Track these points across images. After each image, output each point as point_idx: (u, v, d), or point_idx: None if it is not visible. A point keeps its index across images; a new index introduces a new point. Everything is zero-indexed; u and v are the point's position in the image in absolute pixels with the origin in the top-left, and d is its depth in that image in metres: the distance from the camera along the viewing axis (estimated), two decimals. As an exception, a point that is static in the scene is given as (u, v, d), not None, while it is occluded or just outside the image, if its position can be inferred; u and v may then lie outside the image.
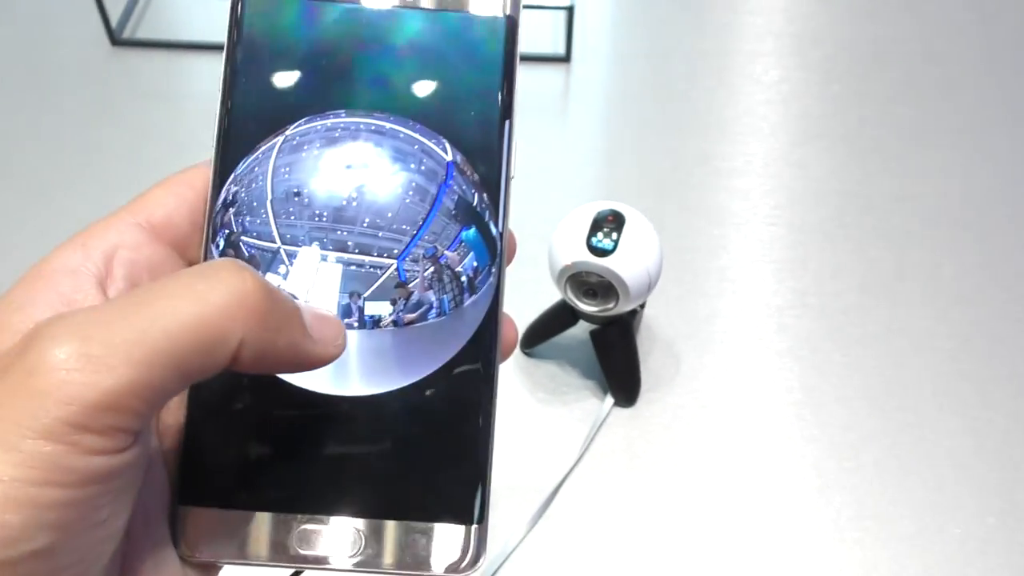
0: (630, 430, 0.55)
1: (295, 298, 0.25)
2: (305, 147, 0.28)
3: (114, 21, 0.76)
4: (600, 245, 0.50)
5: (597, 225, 0.51)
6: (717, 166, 0.70)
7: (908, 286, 0.62)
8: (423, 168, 0.28)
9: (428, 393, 0.27)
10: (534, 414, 0.56)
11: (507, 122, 0.29)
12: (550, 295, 0.55)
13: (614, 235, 0.50)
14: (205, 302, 0.21)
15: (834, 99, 0.76)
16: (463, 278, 0.28)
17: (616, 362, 0.56)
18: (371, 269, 0.27)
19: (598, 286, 0.51)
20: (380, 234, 0.27)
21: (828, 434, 0.55)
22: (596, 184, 0.70)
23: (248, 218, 0.28)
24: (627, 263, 0.50)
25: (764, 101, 0.75)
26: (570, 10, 0.75)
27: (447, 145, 0.28)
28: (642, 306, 0.56)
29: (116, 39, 0.77)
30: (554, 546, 0.51)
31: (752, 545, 0.51)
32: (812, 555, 0.51)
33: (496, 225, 0.28)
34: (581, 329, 0.57)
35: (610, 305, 0.52)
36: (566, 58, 0.77)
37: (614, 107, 0.76)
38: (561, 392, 0.57)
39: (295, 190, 0.28)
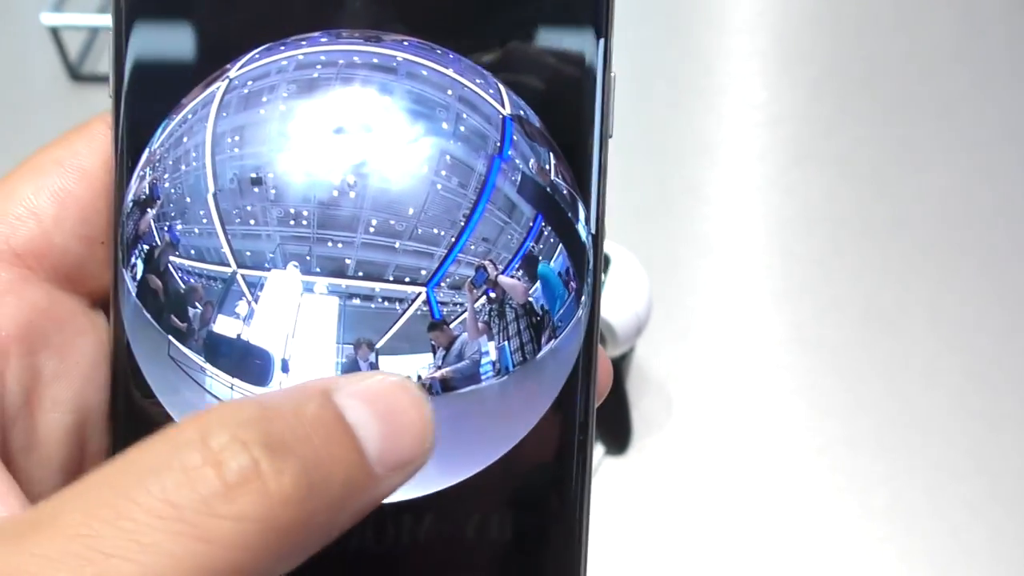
0: (623, 479, 0.52)
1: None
2: (264, 99, 0.17)
3: (73, 55, 0.73)
4: (585, 288, 0.47)
5: (581, 266, 0.47)
6: (706, 194, 0.67)
7: (911, 317, 0.59)
8: (463, 129, 0.17)
9: (483, 501, 0.18)
10: (520, 466, 0.53)
11: (601, 42, 0.19)
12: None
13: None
14: (203, 557, 0.13)
15: (825, 120, 0.73)
16: (536, 312, 0.18)
17: (605, 408, 0.52)
18: (385, 304, 0.17)
19: (584, 331, 0.48)
20: (397, 244, 0.17)
21: (833, 478, 0.52)
22: (580, 215, 0.67)
23: (179, 224, 0.17)
24: (614, 307, 0.46)
25: (752, 124, 0.72)
26: (549, 34, 0.72)
27: (502, 89, 0.18)
28: (632, 347, 0.53)
29: (76, 74, 0.74)
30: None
31: (755, 604, 0.48)
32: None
33: (587, 221, 0.18)
34: (567, 373, 0.53)
35: (597, 350, 0.48)
36: (546, 83, 0.74)
37: (597, 133, 0.73)
38: (548, 441, 0.54)
39: (252, 175, 0.17)
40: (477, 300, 0.17)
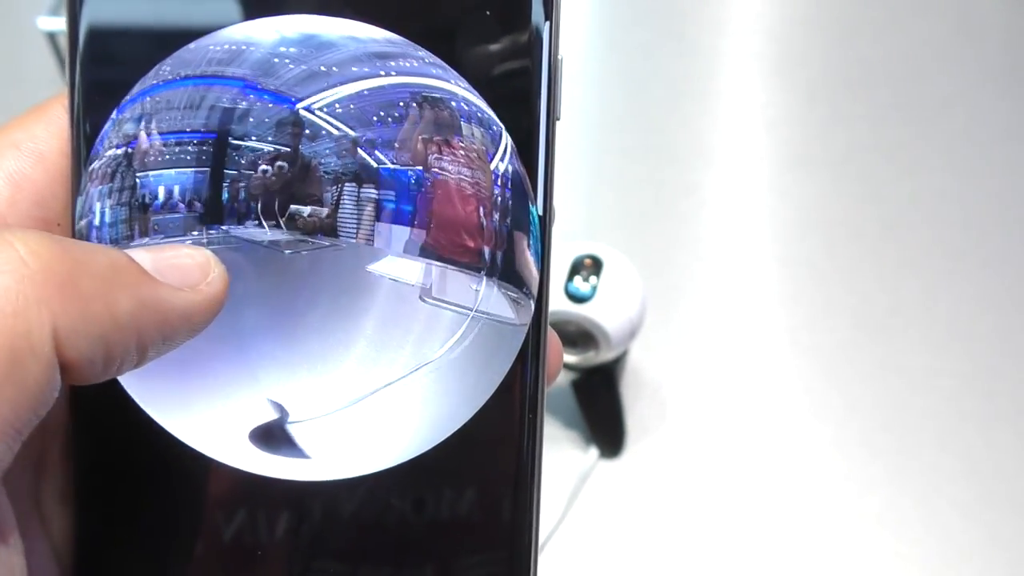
0: (617, 483, 0.52)
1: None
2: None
3: (70, 59, 0.73)
4: (577, 292, 0.47)
5: (574, 270, 0.48)
6: (702, 196, 0.67)
7: (903, 321, 0.60)
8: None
9: (430, 479, 0.18)
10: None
11: (548, 24, 0.19)
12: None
13: (592, 280, 0.47)
14: None
15: (821, 123, 0.73)
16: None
17: (600, 412, 0.53)
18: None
19: (577, 335, 0.48)
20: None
21: (825, 482, 0.52)
22: (575, 218, 0.67)
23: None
24: (606, 311, 0.47)
25: (749, 126, 0.73)
26: (545, 37, 0.72)
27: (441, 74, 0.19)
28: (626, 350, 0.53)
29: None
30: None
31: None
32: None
33: (535, 202, 0.19)
34: (561, 376, 0.53)
35: (590, 354, 0.49)
36: (542, 86, 0.74)
37: (593, 137, 0.73)
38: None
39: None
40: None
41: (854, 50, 0.79)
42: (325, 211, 0.19)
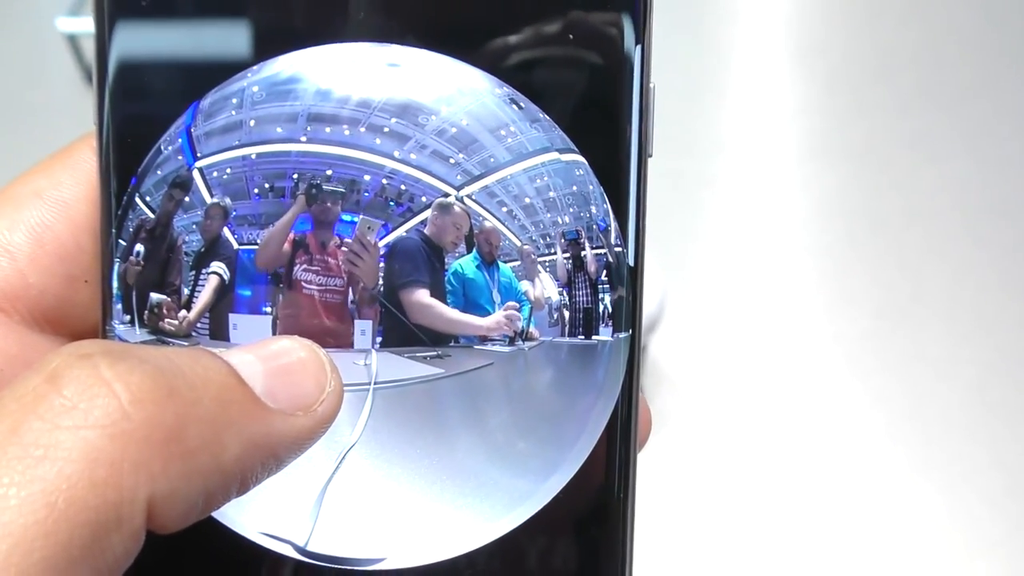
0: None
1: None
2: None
3: (89, 61, 0.74)
4: (595, 284, 0.46)
5: (591, 262, 0.47)
6: (721, 187, 0.67)
7: (927, 310, 0.59)
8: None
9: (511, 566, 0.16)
10: (533, 463, 0.53)
11: (638, 49, 0.16)
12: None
13: (610, 272, 0.47)
14: (43, 478, 0.11)
15: (840, 112, 0.72)
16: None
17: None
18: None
19: (595, 327, 0.47)
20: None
21: (848, 475, 0.52)
22: (594, 211, 0.67)
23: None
24: (624, 303, 0.46)
25: (767, 116, 0.72)
26: (561, 30, 0.72)
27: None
28: (645, 343, 0.53)
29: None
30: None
31: (771, 600, 0.47)
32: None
33: (624, 252, 0.16)
34: (580, 370, 0.53)
35: (609, 347, 0.48)
36: (559, 80, 0.74)
37: (610, 129, 0.73)
38: (561, 438, 0.54)
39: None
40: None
41: (875, 37, 0.78)
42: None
